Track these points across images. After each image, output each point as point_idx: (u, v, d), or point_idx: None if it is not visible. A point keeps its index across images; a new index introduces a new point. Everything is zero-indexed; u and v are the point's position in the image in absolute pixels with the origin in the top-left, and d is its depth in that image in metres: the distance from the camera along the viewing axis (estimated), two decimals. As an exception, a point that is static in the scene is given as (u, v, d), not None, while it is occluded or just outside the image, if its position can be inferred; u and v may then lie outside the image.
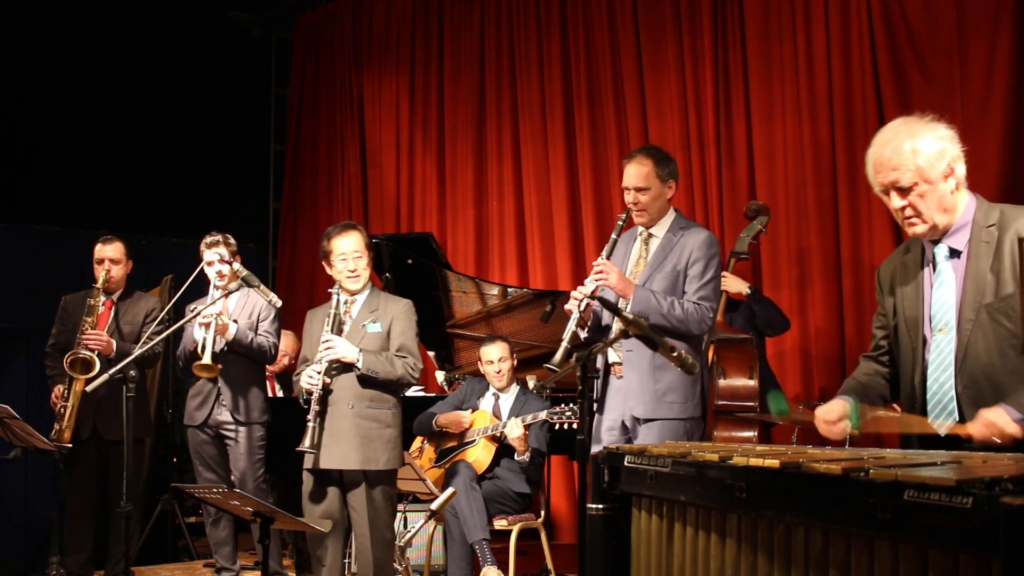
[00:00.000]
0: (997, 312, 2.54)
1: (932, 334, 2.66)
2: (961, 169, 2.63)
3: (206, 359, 4.83)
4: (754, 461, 2.16)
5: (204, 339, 4.86)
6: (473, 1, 7.64)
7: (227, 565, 5.24)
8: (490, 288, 6.01)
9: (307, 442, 4.05)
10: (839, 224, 5.51)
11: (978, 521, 1.65)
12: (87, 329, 5.00)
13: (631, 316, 2.93)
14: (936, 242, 2.68)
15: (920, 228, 2.64)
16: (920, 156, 2.58)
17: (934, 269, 2.70)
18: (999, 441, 2.44)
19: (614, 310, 3.03)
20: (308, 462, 4.16)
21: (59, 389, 5.06)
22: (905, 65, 5.29)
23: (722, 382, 4.71)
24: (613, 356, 3.87)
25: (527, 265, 7.16)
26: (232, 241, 5.16)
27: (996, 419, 2.44)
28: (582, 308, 3.68)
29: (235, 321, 5.04)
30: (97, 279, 5.14)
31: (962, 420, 2.58)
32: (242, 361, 5.07)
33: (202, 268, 5.13)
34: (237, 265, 4.93)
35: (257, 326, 5.12)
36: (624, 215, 3.90)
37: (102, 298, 5.15)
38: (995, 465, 1.97)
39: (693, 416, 3.86)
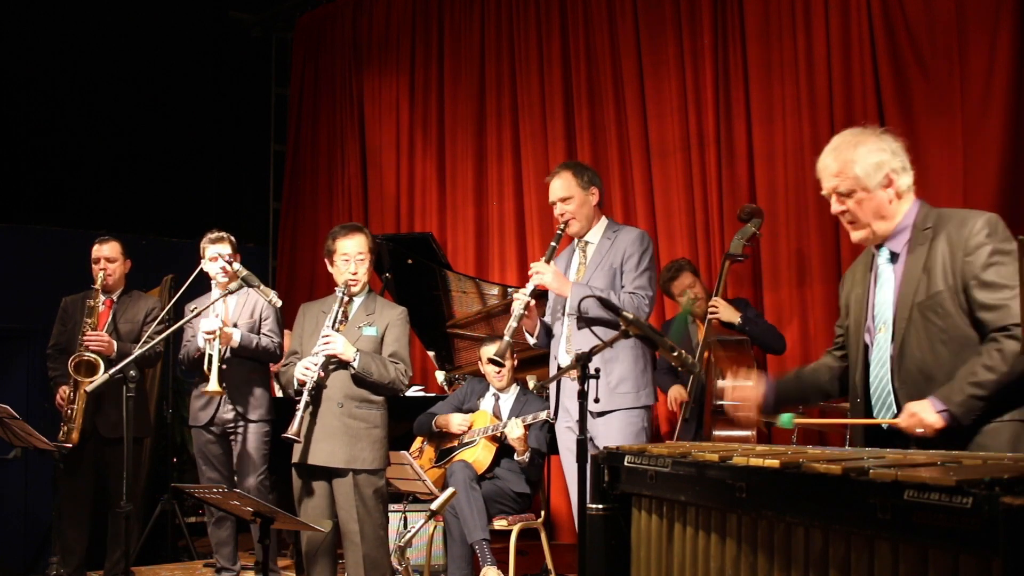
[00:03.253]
0: (927, 309, 2.68)
1: (874, 334, 2.80)
2: (904, 180, 2.76)
3: (212, 385, 4.83)
4: (754, 461, 2.16)
5: (210, 356, 4.84)
6: (473, 1, 7.64)
7: (227, 565, 5.24)
8: (490, 288, 6.01)
9: (293, 427, 4.08)
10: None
11: (978, 521, 1.65)
12: (88, 330, 5.01)
13: (631, 316, 2.94)
14: (879, 247, 2.83)
15: (859, 234, 2.82)
16: (858, 165, 2.74)
17: (876, 272, 2.84)
18: (921, 431, 2.59)
19: (614, 309, 3.04)
20: (295, 456, 4.20)
21: (65, 391, 5.05)
22: (905, 65, 5.29)
23: (720, 382, 4.74)
24: (564, 359, 4.00)
25: (527, 265, 7.13)
26: (233, 240, 5.17)
27: (918, 410, 2.60)
28: (523, 308, 3.90)
29: (235, 326, 5.04)
30: (95, 279, 5.15)
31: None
32: (246, 361, 5.07)
33: (201, 268, 5.12)
34: (237, 265, 4.93)
35: (260, 326, 5.13)
36: (563, 225, 4.09)
37: (101, 298, 5.16)
38: (995, 465, 1.97)
39: (647, 404, 4.02)
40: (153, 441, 6.51)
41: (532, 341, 4.13)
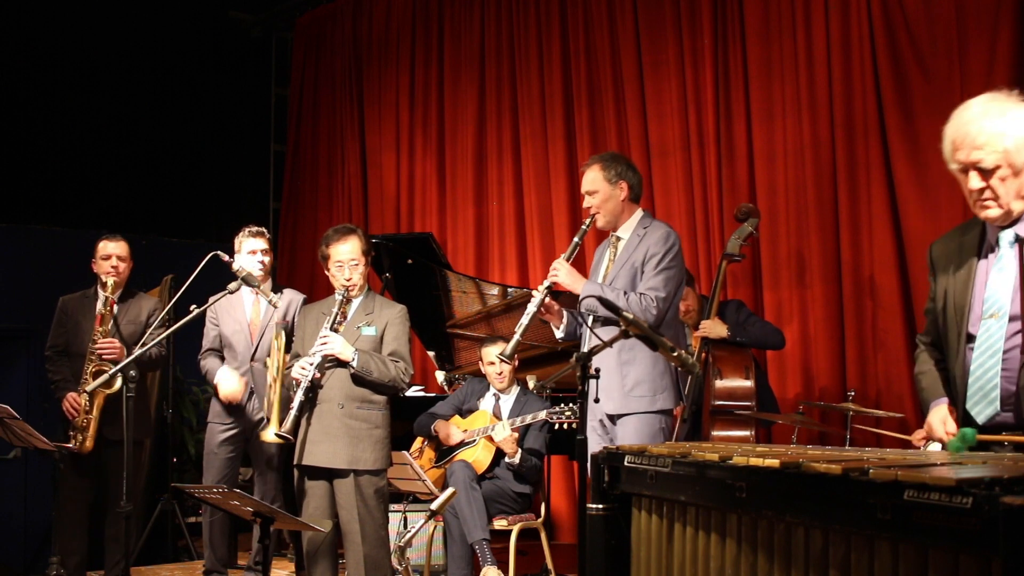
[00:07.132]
0: None
1: (982, 318, 2.58)
2: None
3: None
4: (754, 461, 2.16)
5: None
6: (473, 1, 7.64)
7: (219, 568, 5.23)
8: (490, 288, 6.01)
9: (287, 426, 4.08)
10: (839, 224, 5.50)
11: (978, 521, 1.65)
12: (99, 338, 4.91)
13: (631, 316, 2.93)
14: (1004, 227, 2.58)
15: (994, 212, 2.54)
16: (1008, 138, 2.45)
17: (995, 253, 2.61)
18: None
19: (613, 310, 3.04)
20: (297, 457, 4.20)
21: (79, 399, 4.92)
22: (905, 65, 5.29)
23: (718, 383, 4.77)
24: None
25: (527, 265, 7.15)
26: (269, 236, 5.20)
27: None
28: (537, 306, 3.84)
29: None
30: (103, 278, 5.02)
31: (1011, 408, 2.51)
32: None
33: (202, 268, 5.07)
34: (237, 264, 4.91)
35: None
36: (588, 220, 4.05)
37: (102, 296, 5.06)
38: (995, 465, 1.97)
39: (664, 409, 3.89)
40: (153, 441, 6.51)
41: (559, 335, 4.05)
